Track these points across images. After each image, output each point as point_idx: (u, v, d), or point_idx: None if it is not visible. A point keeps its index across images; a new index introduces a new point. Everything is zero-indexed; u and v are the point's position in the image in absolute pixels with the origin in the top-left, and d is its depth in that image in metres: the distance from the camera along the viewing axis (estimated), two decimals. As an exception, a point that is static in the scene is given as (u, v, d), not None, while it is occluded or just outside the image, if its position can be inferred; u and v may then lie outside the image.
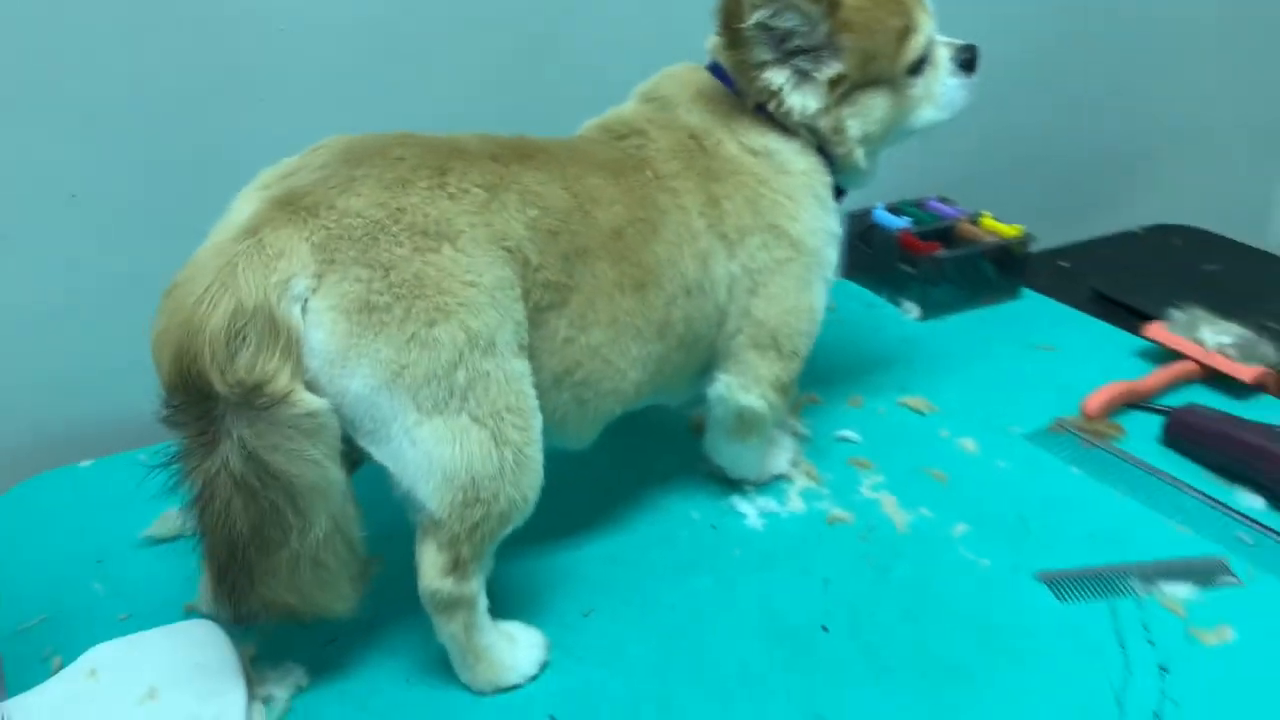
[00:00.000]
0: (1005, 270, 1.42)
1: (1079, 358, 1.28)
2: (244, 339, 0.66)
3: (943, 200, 1.48)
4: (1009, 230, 1.40)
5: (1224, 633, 0.86)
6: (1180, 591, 0.91)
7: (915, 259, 1.37)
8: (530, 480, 0.77)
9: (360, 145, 0.75)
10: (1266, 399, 1.20)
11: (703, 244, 0.87)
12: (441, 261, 0.71)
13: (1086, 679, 0.82)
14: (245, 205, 0.72)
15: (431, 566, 0.75)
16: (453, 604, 0.76)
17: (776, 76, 0.87)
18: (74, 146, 1.03)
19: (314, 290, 0.68)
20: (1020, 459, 1.09)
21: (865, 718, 0.79)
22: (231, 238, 0.69)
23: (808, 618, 0.88)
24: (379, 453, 0.72)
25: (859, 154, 0.93)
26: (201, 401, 0.67)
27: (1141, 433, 1.13)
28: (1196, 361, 1.22)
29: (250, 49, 1.07)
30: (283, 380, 0.66)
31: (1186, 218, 1.75)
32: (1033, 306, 1.42)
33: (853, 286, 1.47)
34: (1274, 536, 0.98)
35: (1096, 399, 1.15)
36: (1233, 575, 0.93)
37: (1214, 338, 1.22)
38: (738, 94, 0.91)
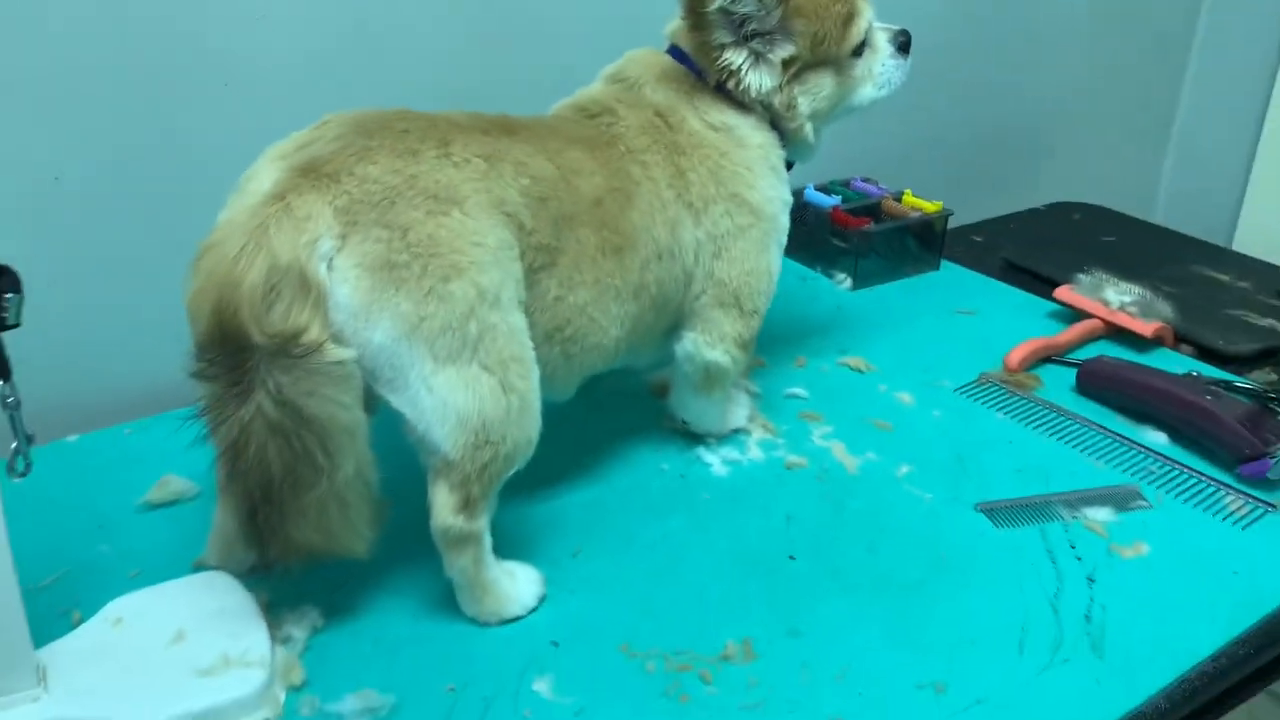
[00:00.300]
0: (927, 244, 1.53)
1: (997, 320, 1.40)
2: (279, 293, 0.72)
3: (866, 180, 1.59)
4: (930, 206, 1.52)
5: (1140, 548, 0.98)
6: (1100, 515, 1.02)
7: (846, 234, 1.47)
8: (532, 424, 0.84)
9: (368, 119, 0.81)
10: (1163, 351, 1.33)
11: (671, 212, 0.95)
12: (452, 224, 0.78)
13: (1025, 590, 0.92)
14: (265, 174, 0.78)
15: (444, 505, 0.82)
16: (463, 540, 0.83)
17: (735, 57, 0.96)
18: (58, 130, 1.07)
19: (339, 250, 0.75)
20: (952, 408, 1.20)
21: (835, 629, 0.88)
22: (260, 202, 0.75)
23: (776, 549, 0.97)
24: (397, 400, 0.79)
25: (808, 129, 1.02)
26: (236, 353, 0.73)
27: (1057, 383, 1.25)
28: (1102, 319, 1.35)
29: (226, 34, 1.12)
30: (315, 331, 0.73)
31: (1083, 195, 1.90)
32: (952, 276, 1.54)
33: (787, 261, 1.54)
34: (1176, 467, 1.10)
35: (1017, 354, 1.26)
36: (1144, 500, 1.05)
37: (1117, 297, 1.35)
38: (698, 74, 0.99)
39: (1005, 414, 1.19)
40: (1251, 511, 1.03)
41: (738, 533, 0.99)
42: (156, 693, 0.77)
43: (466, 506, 0.82)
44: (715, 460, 1.09)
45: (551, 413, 0.95)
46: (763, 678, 0.83)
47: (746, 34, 0.96)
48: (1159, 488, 1.07)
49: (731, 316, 1.01)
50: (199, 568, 0.92)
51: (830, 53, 0.99)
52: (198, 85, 1.12)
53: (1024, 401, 1.21)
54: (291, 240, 0.73)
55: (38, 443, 0.78)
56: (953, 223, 1.70)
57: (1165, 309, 1.34)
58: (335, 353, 0.74)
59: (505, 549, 0.91)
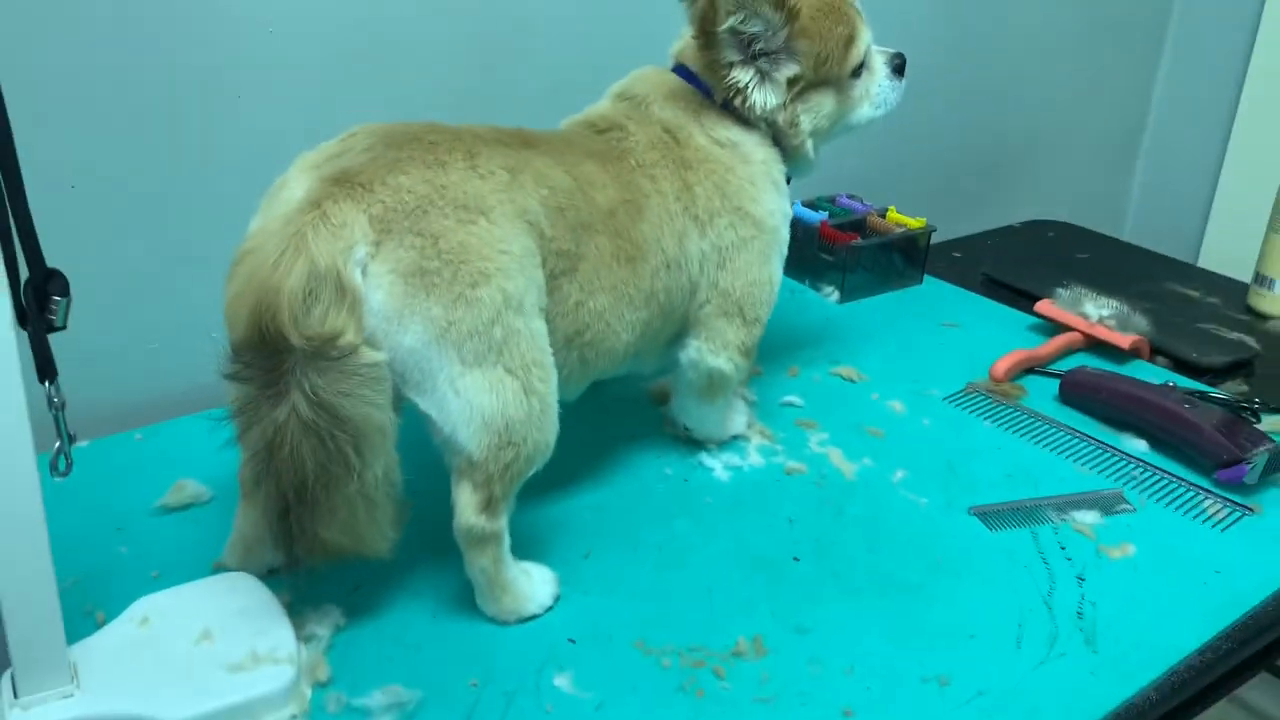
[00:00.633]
0: (911, 259, 1.58)
1: (980, 332, 1.45)
2: (316, 297, 0.74)
3: (851, 197, 1.64)
4: (914, 222, 1.56)
5: (1126, 549, 1.02)
6: (1088, 518, 1.06)
7: (833, 248, 1.52)
8: (552, 426, 0.87)
9: (395, 131, 0.84)
10: (1140, 362, 1.39)
11: (679, 224, 0.99)
12: (480, 232, 0.80)
13: (1020, 589, 0.96)
14: (297, 183, 0.80)
15: (467, 505, 0.84)
16: (485, 539, 0.86)
17: (743, 75, 1.00)
18: (73, 139, 1.08)
19: (373, 256, 0.77)
20: (942, 416, 1.24)
21: (839, 627, 0.91)
22: (296, 210, 0.77)
23: (780, 550, 1.00)
24: (424, 402, 0.81)
25: (809, 145, 1.06)
26: (273, 356, 0.75)
27: (1040, 392, 1.30)
28: (1081, 332, 1.40)
29: (238, 47, 1.14)
30: (351, 334, 0.75)
31: (1056, 213, 1.96)
32: (936, 290, 1.59)
33: (775, 275, 1.60)
34: (1157, 472, 1.15)
35: (1002, 365, 1.31)
36: (1128, 504, 1.09)
37: (1095, 311, 1.40)
38: (705, 92, 1.03)
39: (992, 422, 1.23)
40: (1230, 515, 1.08)
41: (742, 535, 1.02)
42: (188, 688, 0.79)
43: (489, 506, 0.85)
44: (717, 465, 1.12)
45: (559, 416, 0.99)
46: (774, 673, 0.86)
47: (753, 53, 0.99)
48: (1141, 492, 1.11)
49: (734, 325, 1.05)
50: (218, 570, 0.94)
51: (832, 73, 1.03)
52: (211, 96, 1.14)
53: (1010, 410, 1.26)
54: (329, 246, 0.75)
55: (47, 447, 0.79)
56: (933, 239, 1.75)
57: (1141, 322, 1.40)
58: (370, 355, 0.76)
59: (519, 550, 0.94)
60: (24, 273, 0.71)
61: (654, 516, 1.04)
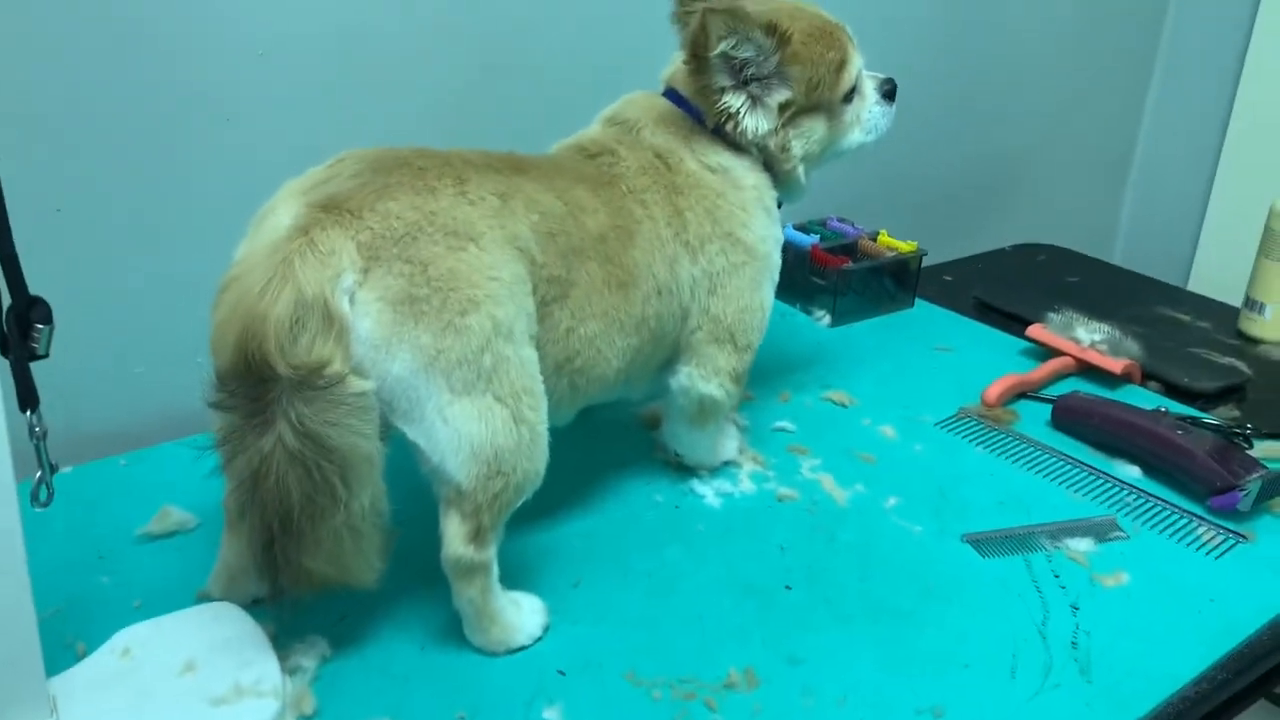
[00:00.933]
0: (902, 282, 1.58)
1: (972, 357, 1.44)
2: (303, 326, 0.73)
3: (842, 220, 1.63)
4: (905, 246, 1.56)
5: (1120, 577, 1.01)
6: (1081, 546, 1.05)
7: (825, 272, 1.51)
8: (542, 455, 0.86)
9: (384, 157, 0.84)
10: (1132, 387, 1.38)
11: (670, 250, 0.98)
12: (469, 259, 0.80)
13: (1013, 618, 0.95)
14: (285, 210, 0.79)
15: (455, 535, 0.83)
16: (473, 569, 0.85)
17: (734, 100, 0.99)
18: (59, 162, 1.07)
19: (361, 284, 0.76)
20: (934, 442, 1.23)
21: (831, 656, 0.90)
22: (283, 237, 0.76)
23: (771, 578, 0.99)
24: (412, 431, 0.80)
25: (800, 170, 1.06)
26: (259, 385, 0.74)
27: (1033, 417, 1.29)
28: (1073, 357, 1.40)
29: (227, 71, 1.14)
30: (338, 363, 0.74)
31: (1046, 236, 1.96)
32: (927, 314, 1.58)
33: (766, 298, 1.60)
34: (1150, 499, 1.14)
35: (994, 389, 1.30)
36: (1121, 531, 1.08)
37: (1087, 335, 1.40)
38: (696, 117, 1.02)
39: (984, 448, 1.23)
40: (1224, 542, 1.07)
41: (733, 563, 1.01)
42: (170, 722, 0.78)
43: (477, 536, 0.84)
44: (708, 492, 1.11)
45: (549, 442, 0.98)
46: (766, 704, 0.85)
47: (745, 78, 0.99)
48: (1135, 519, 1.11)
49: (725, 351, 1.04)
50: (202, 599, 0.92)
51: (823, 98, 1.03)
52: (199, 120, 1.14)
53: (1002, 435, 1.25)
54: (316, 274, 0.74)
55: (29, 474, 0.78)
56: (924, 263, 1.75)
57: (1133, 347, 1.39)
58: (357, 384, 0.75)
59: (508, 579, 0.92)
60: (6, 300, 0.70)
61: (644, 544, 1.03)
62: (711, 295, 1.02)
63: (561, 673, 0.87)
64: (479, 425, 0.80)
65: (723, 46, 0.96)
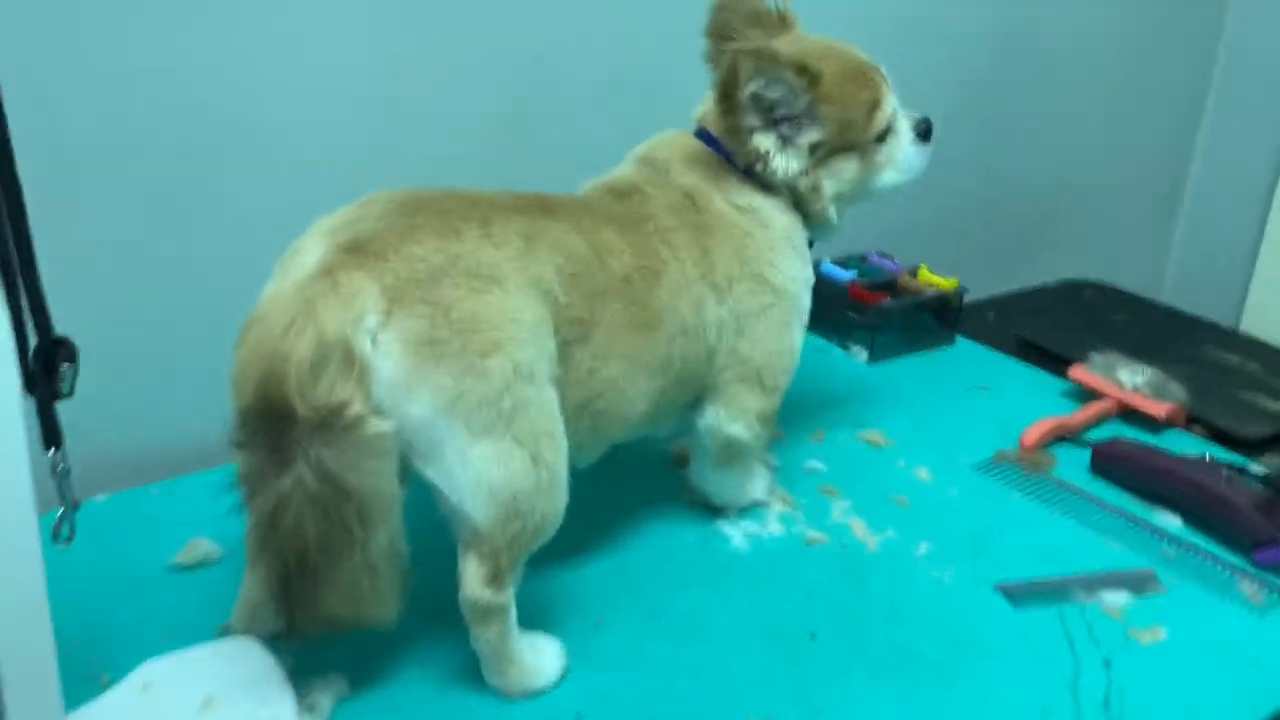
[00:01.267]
0: (942, 319, 1.55)
1: (1012, 397, 1.42)
2: (325, 368, 0.73)
3: (882, 255, 1.62)
4: (945, 283, 1.54)
5: (1157, 633, 0.99)
6: (1117, 599, 1.03)
7: (863, 308, 1.50)
8: (561, 497, 0.85)
9: (411, 198, 0.84)
10: (1176, 432, 1.35)
11: (696, 291, 0.98)
12: (492, 301, 0.80)
13: (1044, 673, 0.93)
14: (312, 250, 0.80)
15: (474, 577, 0.83)
16: (491, 612, 0.84)
17: (765, 141, 0.99)
18: (91, 197, 1.09)
19: (383, 326, 0.76)
20: (969, 486, 1.21)
21: (855, 708, 0.88)
22: (308, 278, 0.77)
23: (798, 625, 0.98)
24: (431, 472, 0.80)
25: (831, 211, 1.05)
26: (279, 424, 0.74)
27: (1072, 462, 1.27)
28: (1116, 399, 1.36)
29: (259, 111, 1.15)
30: (358, 405, 0.74)
31: (1093, 272, 1.93)
32: (967, 352, 1.56)
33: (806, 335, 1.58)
34: (1191, 551, 1.11)
35: (1033, 433, 1.28)
36: (1160, 584, 1.05)
37: (1130, 378, 1.37)
38: (726, 157, 1.02)
39: (1021, 493, 1.20)
40: (1268, 597, 1.04)
41: (759, 607, 1.00)
42: (186, 760, 0.78)
43: (496, 578, 0.83)
44: (736, 533, 1.10)
45: (571, 481, 0.97)
46: (786, 757, 0.83)
47: (775, 119, 0.98)
48: (1174, 572, 1.08)
49: (754, 393, 1.03)
50: (225, 633, 0.93)
51: (855, 138, 1.02)
52: (232, 159, 1.15)
53: (1040, 481, 1.22)
54: (339, 316, 0.75)
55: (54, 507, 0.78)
56: (966, 299, 1.73)
57: (1178, 390, 1.36)
58: (377, 426, 0.75)
59: (526, 620, 0.92)
60: (32, 338, 0.71)
61: (668, 585, 1.02)
62: (739, 336, 1.01)
63: (579, 717, 0.86)
64: (498, 467, 0.80)
65: (753, 87, 0.95)
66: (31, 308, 0.69)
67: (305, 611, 0.80)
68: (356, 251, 0.78)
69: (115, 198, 1.11)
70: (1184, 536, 1.13)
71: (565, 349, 0.87)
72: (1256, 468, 1.26)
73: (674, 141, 1.05)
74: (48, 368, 0.70)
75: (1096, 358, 1.41)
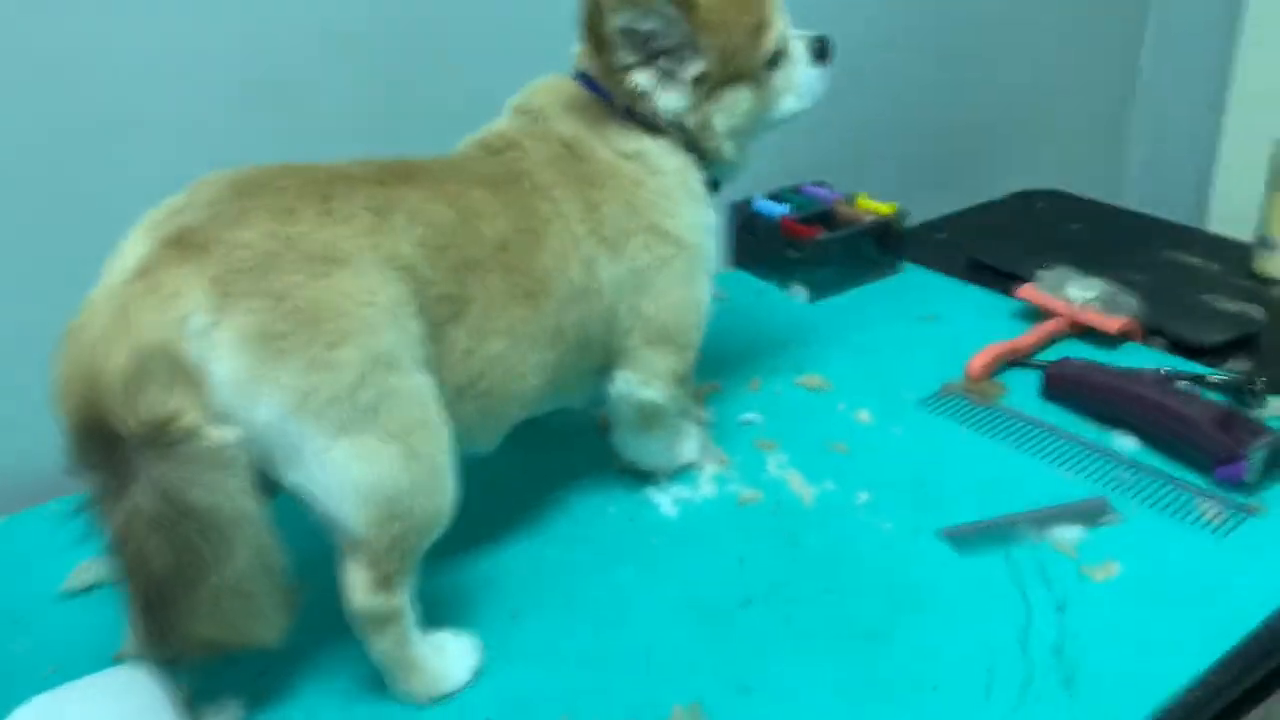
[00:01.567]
0: (884, 247, 1.48)
1: (959, 324, 1.35)
2: (147, 378, 0.66)
3: (818, 184, 1.54)
4: (884, 208, 1.46)
5: (1111, 568, 0.92)
6: (1069, 534, 0.96)
7: (799, 243, 1.42)
8: (445, 491, 0.79)
9: (245, 178, 0.76)
10: (1132, 346, 1.28)
11: (586, 249, 0.90)
12: (335, 285, 0.72)
13: (991, 625, 0.87)
14: (136, 246, 0.72)
15: (358, 585, 0.76)
16: (383, 620, 0.78)
17: (642, 78, 0.91)
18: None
19: (214, 325, 0.69)
20: (913, 425, 1.14)
21: (790, 683, 0.82)
22: (124, 280, 0.69)
23: (728, 596, 0.91)
24: (293, 478, 0.73)
25: (728, 147, 0.97)
26: (109, 445, 0.67)
27: (1022, 389, 1.20)
28: (1067, 317, 1.29)
29: (116, 89, 1.06)
30: (190, 416, 0.67)
31: (1049, 181, 1.85)
32: (913, 279, 1.48)
33: (742, 275, 1.51)
34: (1148, 474, 1.04)
35: (978, 361, 1.21)
36: (1114, 513, 0.99)
37: (1080, 294, 1.29)
38: (606, 100, 0.94)
39: (968, 427, 1.14)
40: (1229, 518, 0.98)
41: (689, 579, 0.94)
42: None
43: (383, 583, 0.77)
44: (665, 500, 1.04)
45: (486, 460, 0.91)
46: (711, 744, 0.77)
47: (652, 53, 0.90)
48: (1131, 498, 1.01)
49: (663, 353, 0.96)
50: (120, 660, 0.87)
51: (744, 66, 0.94)
52: (98, 145, 1.06)
53: (988, 412, 1.16)
54: (158, 320, 0.67)
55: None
56: (915, 220, 1.65)
57: (1131, 302, 1.29)
58: (215, 436, 0.68)
59: (436, 616, 0.86)
60: None
61: (593, 565, 0.96)
62: (640, 294, 0.94)
63: (490, 721, 0.81)
64: (365, 467, 0.73)
65: (619, 21, 0.87)
66: None
67: (174, 638, 0.74)
68: (179, 245, 0.71)
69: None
70: (1141, 459, 1.07)
71: (437, 329, 0.80)
72: (1217, 375, 1.19)
73: (551, 87, 0.97)
74: None
75: (1045, 274, 1.34)
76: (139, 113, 1.08)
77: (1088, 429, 1.12)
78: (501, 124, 0.96)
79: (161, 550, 0.68)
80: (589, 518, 1.02)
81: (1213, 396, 1.15)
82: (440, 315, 0.80)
